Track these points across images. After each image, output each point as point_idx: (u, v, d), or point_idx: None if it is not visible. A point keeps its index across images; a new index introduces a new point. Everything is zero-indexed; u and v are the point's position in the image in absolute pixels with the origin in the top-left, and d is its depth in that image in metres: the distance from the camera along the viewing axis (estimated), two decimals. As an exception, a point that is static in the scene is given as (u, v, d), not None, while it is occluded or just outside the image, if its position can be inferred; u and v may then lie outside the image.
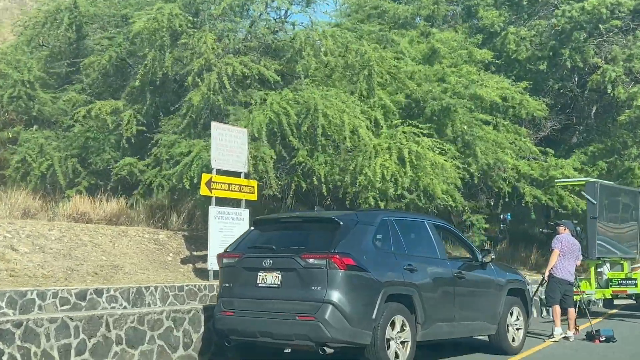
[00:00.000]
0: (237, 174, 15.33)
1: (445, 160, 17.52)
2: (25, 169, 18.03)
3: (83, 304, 11.45)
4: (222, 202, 15.30)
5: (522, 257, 25.16)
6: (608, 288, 18.53)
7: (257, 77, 17.34)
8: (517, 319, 12.82)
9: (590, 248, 18.23)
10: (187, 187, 15.72)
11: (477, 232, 20.69)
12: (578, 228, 16.54)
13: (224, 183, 14.89)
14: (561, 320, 15.02)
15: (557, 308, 14.87)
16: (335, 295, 9.51)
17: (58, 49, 20.37)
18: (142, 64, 17.49)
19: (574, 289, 15.41)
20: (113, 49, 18.16)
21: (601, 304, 20.40)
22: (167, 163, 16.79)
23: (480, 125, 19.87)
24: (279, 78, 17.24)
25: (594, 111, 25.73)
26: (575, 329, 15.10)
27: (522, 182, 21.48)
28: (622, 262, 19.42)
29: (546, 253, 19.22)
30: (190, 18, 17.37)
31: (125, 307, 11.79)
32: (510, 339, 12.51)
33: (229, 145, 15.01)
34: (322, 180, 16.31)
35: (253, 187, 15.54)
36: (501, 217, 17.05)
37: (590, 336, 14.58)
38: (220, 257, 11.03)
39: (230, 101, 17.10)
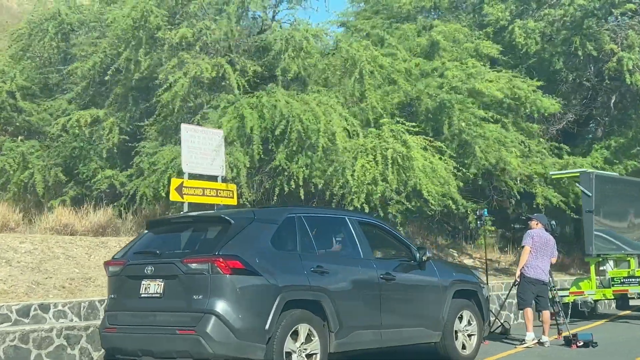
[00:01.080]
0: (213, 178, 14.57)
1: (439, 159, 16.66)
2: (7, 177, 17.56)
3: (26, 320, 10.64)
4: (204, 208, 14.49)
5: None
6: (610, 287, 17.21)
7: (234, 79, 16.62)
8: (469, 323, 11.47)
9: (587, 244, 16.84)
10: (163, 194, 15.12)
11: (483, 233, 19.73)
12: (553, 222, 15.28)
13: (197, 188, 14.10)
14: (551, 325, 13.92)
15: (529, 311, 13.55)
16: (219, 305, 8.31)
17: (47, 58, 19.90)
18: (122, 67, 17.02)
19: (551, 289, 14.21)
20: (97, 55, 17.65)
21: (614, 305, 19.11)
22: (149, 171, 16.26)
23: (479, 123, 18.70)
24: (244, 83, 16.59)
25: (613, 101, 24.12)
26: (559, 333, 13.98)
27: (535, 182, 20.34)
28: (628, 258, 17.86)
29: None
30: (166, 13, 16.95)
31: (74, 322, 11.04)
32: (459, 347, 11.19)
33: (202, 148, 14.24)
34: (301, 183, 15.64)
35: (232, 191, 14.74)
36: (477, 213, 15.89)
37: (568, 341, 13.36)
38: (106, 265, 9.77)
39: (205, 104, 16.67)
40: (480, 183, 19.79)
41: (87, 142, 17.88)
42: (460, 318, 11.33)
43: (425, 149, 16.76)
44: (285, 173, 16.04)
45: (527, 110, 20.62)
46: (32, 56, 19.85)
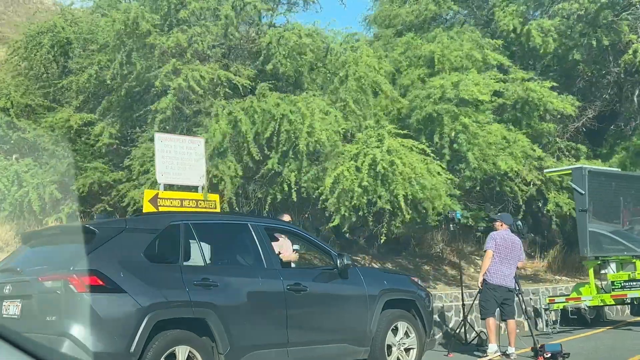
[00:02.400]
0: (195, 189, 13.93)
1: (427, 163, 15.83)
2: (2, 196, 17.09)
3: None
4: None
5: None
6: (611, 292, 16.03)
7: (228, 85, 16.17)
8: (407, 336, 10.42)
9: (582, 245, 15.75)
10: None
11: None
12: (519, 222, 14.15)
13: (174, 199, 13.39)
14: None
15: (492, 320, 12.52)
16: (74, 327, 7.35)
17: (44, 72, 19.48)
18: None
19: (518, 295, 13.21)
20: (92, 68, 17.18)
21: (628, 311, 17.78)
22: (139, 176, 15.77)
23: (470, 130, 17.61)
24: (244, 82, 15.94)
25: (637, 94, 22.52)
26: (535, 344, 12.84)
27: (549, 186, 19.27)
28: (634, 260, 16.57)
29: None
30: (157, 18, 16.39)
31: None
32: None
33: (180, 158, 13.54)
34: (293, 187, 14.99)
35: (214, 201, 14.00)
36: (449, 215, 14.77)
37: (536, 352, 12.38)
38: None
39: (199, 111, 16.06)
40: (477, 189, 18.71)
41: (82, 155, 17.39)
42: (395, 331, 10.31)
43: (411, 149, 15.96)
44: (279, 179, 15.39)
45: (540, 113, 19.49)
46: (28, 71, 19.41)
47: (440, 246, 20.54)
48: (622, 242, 16.36)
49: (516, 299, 13.28)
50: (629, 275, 15.92)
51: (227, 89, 16.13)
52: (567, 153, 20.48)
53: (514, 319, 12.84)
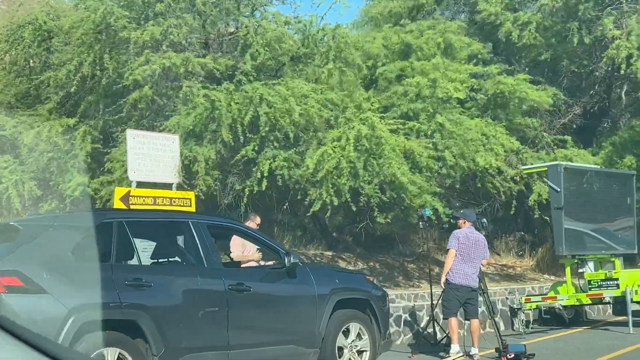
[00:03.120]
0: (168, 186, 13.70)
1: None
2: (-19, 193, 16.90)
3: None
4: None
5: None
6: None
7: (202, 74, 16.00)
8: (359, 338, 10.08)
9: (557, 244, 15.46)
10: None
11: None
12: (484, 220, 13.83)
13: (147, 197, 13.17)
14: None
15: (454, 321, 12.18)
16: None
17: (25, 67, 19.20)
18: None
19: (482, 295, 12.90)
20: (72, 63, 16.92)
21: (610, 311, 17.46)
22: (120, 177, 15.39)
23: (444, 127, 17.35)
24: (219, 68, 15.78)
25: (624, 91, 22.10)
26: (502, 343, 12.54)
27: (535, 180, 18.90)
28: (613, 259, 16.30)
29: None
30: (128, 13, 16.15)
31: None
32: None
33: (153, 154, 13.38)
34: (265, 175, 14.70)
35: (189, 199, 13.77)
36: (418, 213, 14.46)
37: (500, 352, 12.10)
38: None
39: (173, 102, 16.00)
40: (458, 187, 18.43)
41: (63, 153, 17.05)
42: (347, 332, 10.00)
43: (395, 131, 15.81)
44: (254, 169, 15.15)
45: (515, 104, 19.14)
46: (12, 65, 19.15)
47: (428, 245, 20.26)
48: (603, 240, 16.08)
49: (481, 298, 13.11)
50: (606, 274, 15.63)
51: (203, 78, 15.94)
52: (554, 147, 20.11)
53: (478, 318, 12.55)
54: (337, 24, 17.35)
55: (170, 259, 9.51)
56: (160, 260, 9.29)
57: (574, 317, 16.78)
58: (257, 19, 16.83)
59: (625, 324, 15.08)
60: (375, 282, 11.17)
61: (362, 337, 10.13)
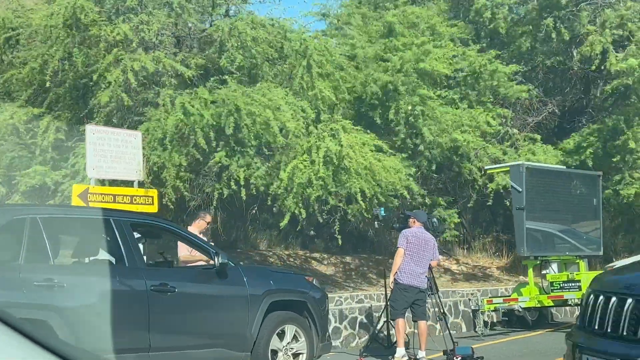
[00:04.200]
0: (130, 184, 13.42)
1: (381, 160, 15.32)
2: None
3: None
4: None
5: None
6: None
7: (174, 74, 15.64)
8: (296, 340, 9.77)
9: (519, 245, 15.22)
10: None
11: (449, 229, 18.14)
12: (435, 219, 13.55)
13: (106, 194, 12.84)
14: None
15: (401, 322, 11.89)
16: None
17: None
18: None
19: (430, 296, 12.67)
20: (36, 61, 16.60)
21: (577, 313, 17.14)
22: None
23: (428, 103, 17.22)
24: (191, 73, 15.38)
25: (600, 88, 21.72)
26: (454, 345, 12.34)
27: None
28: (577, 261, 16.08)
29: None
30: (97, 9, 15.90)
31: None
32: None
33: (114, 151, 13.03)
34: (242, 183, 14.38)
35: (152, 197, 13.44)
36: (374, 212, 14.14)
37: (447, 355, 11.93)
38: None
39: (143, 102, 15.43)
40: (435, 175, 18.18)
41: (25, 148, 16.73)
42: (282, 334, 9.69)
43: (364, 144, 15.42)
44: (224, 174, 14.88)
45: (487, 83, 18.87)
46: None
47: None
48: (569, 240, 15.84)
49: (431, 300, 12.92)
50: (568, 276, 15.38)
51: (173, 79, 15.69)
52: (524, 144, 19.86)
53: (425, 320, 12.26)
54: (316, 31, 17.27)
55: (90, 258, 9.12)
56: (75, 260, 8.90)
57: (539, 319, 16.51)
58: (232, 19, 16.54)
59: None
60: (314, 282, 10.79)
61: (299, 339, 9.83)
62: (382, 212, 13.39)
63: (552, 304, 15.61)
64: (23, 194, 15.88)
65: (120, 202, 12.94)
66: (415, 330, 12.28)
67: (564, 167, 18.12)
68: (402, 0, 21.13)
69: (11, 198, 16.62)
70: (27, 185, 15.66)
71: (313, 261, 18.53)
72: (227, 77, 15.43)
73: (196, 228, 12.26)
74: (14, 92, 18.25)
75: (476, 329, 15.17)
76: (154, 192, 13.59)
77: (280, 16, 17.82)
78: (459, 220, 18.31)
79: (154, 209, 13.38)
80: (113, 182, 13.77)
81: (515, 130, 20.07)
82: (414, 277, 11.86)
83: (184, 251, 11.48)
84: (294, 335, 9.78)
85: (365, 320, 14.77)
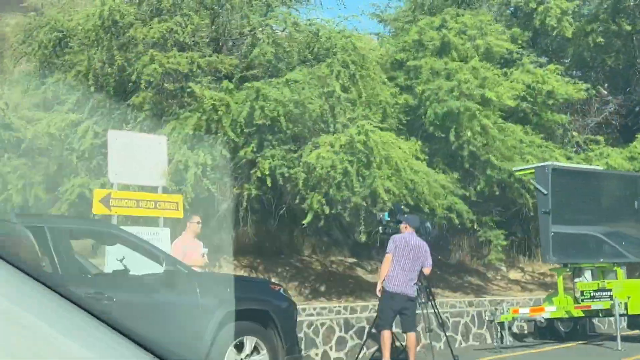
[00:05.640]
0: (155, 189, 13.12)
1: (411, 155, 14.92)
2: (-14, 202, 16.59)
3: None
4: (150, 221, 13.07)
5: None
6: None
7: (208, 72, 15.55)
8: (257, 352, 9.05)
9: (544, 251, 14.30)
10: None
11: (495, 250, 17.26)
12: (428, 224, 12.64)
13: (130, 199, 12.58)
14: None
15: (386, 333, 11.12)
16: None
17: (41, 68, 18.92)
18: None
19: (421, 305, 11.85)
20: (82, 65, 16.61)
21: (624, 324, 15.99)
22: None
23: (487, 130, 16.54)
24: (228, 69, 15.44)
25: None
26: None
27: None
28: (615, 268, 14.94)
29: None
30: (132, 10, 15.86)
31: None
32: None
33: (137, 156, 12.76)
34: (266, 173, 14.21)
35: (177, 202, 13.12)
36: (378, 217, 13.30)
37: None
38: None
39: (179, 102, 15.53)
40: (486, 194, 17.36)
41: (71, 153, 16.70)
42: (239, 346, 8.98)
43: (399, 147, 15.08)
44: (252, 171, 14.74)
45: (541, 99, 17.99)
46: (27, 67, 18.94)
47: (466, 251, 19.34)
48: (606, 245, 14.74)
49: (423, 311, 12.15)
50: (598, 284, 14.41)
51: (209, 77, 15.53)
52: (585, 147, 18.89)
53: (415, 331, 11.50)
54: (354, 29, 16.87)
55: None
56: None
57: (577, 330, 15.52)
58: (265, 18, 16.29)
59: (632, 338, 14.06)
60: (282, 291, 10.11)
61: (260, 351, 9.13)
62: (387, 217, 12.68)
63: (581, 314, 14.63)
64: (70, 203, 15.90)
65: (143, 208, 12.71)
66: (386, 342, 11.38)
67: (601, 167, 17.06)
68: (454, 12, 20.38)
69: (55, 206, 16.70)
70: (71, 194, 15.65)
71: (358, 268, 17.96)
72: (256, 71, 15.17)
73: (191, 233, 11.81)
74: (62, 96, 18.36)
75: (503, 341, 14.36)
76: (178, 198, 13.28)
77: (332, 19, 17.31)
78: (505, 242, 17.41)
79: (178, 214, 13.05)
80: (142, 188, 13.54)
81: (575, 133, 19.09)
82: (402, 285, 11.17)
83: (176, 256, 11.02)
84: (255, 347, 9.11)
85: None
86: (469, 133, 16.26)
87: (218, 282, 9.74)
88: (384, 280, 11.32)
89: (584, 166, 16.83)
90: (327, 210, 14.31)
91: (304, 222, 14.78)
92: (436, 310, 12.41)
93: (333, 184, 14.14)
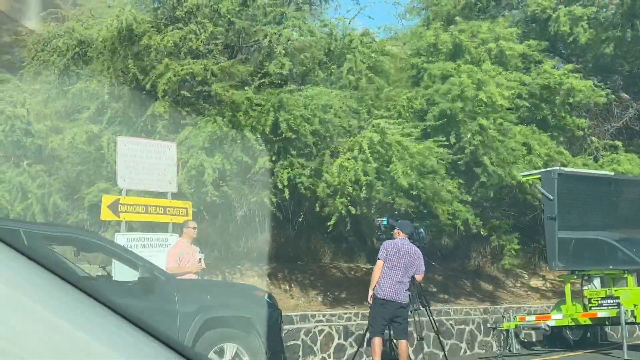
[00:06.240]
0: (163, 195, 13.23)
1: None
2: (7, 211, 16.65)
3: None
4: (160, 227, 13.18)
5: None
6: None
7: (225, 79, 15.61)
8: (238, 359, 9.02)
9: (550, 257, 13.98)
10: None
11: (509, 255, 17.03)
12: (421, 230, 12.44)
13: (138, 205, 12.67)
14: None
15: (377, 341, 10.98)
16: None
17: (60, 77, 19.06)
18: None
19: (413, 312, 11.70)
20: (103, 74, 16.76)
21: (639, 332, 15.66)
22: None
23: (485, 131, 16.29)
24: (243, 75, 15.52)
25: None
26: None
27: None
28: (626, 275, 14.69)
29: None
30: (148, 18, 16.01)
31: None
32: None
33: (146, 162, 12.91)
34: (285, 184, 14.17)
35: (186, 208, 13.17)
36: (376, 222, 13.12)
37: None
38: None
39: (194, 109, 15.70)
40: (491, 195, 17.15)
41: (92, 162, 16.82)
42: (221, 353, 8.98)
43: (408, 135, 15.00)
44: (270, 180, 14.68)
45: (560, 98, 17.74)
46: (46, 76, 19.06)
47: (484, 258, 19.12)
48: (624, 252, 14.51)
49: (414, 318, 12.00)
50: (606, 292, 14.16)
51: (223, 82, 15.49)
52: (604, 153, 18.62)
53: (406, 339, 11.32)
54: (366, 29, 16.83)
55: None
56: None
57: (587, 338, 15.26)
58: (279, 27, 16.28)
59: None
60: (267, 297, 10.09)
61: (242, 358, 9.13)
62: (385, 222, 12.55)
63: (588, 322, 14.37)
64: (89, 210, 15.99)
65: (153, 213, 12.80)
66: (377, 350, 11.24)
67: (611, 172, 16.75)
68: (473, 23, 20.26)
69: (72, 214, 16.81)
70: (89, 202, 15.75)
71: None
72: (272, 79, 15.20)
73: (187, 238, 11.74)
74: (81, 105, 18.50)
75: (509, 349, 14.15)
76: (188, 204, 13.34)
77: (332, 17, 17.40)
78: (518, 247, 17.17)
79: (188, 218, 13.08)
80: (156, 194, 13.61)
81: (594, 139, 18.84)
82: (393, 291, 11.06)
83: (171, 263, 11.01)
84: (236, 353, 9.11)
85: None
86: (469, 135, 16.13)
87: (197, 288, 9.74)
88: (375, 287, 11.21)
89: (592, 171, 16.59)
90: (352, 210, 14.25)
91: (329, 224, 14.68)
92: (431, 318, 12.28)
93: (357, 188, 14.12)
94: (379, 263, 11.23)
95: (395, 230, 11.58)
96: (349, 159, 14.31)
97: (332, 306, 15.63)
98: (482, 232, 16.64)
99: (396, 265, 11.15)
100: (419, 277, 11.54)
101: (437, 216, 15.41)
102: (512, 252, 16.84)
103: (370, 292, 11.34)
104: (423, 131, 15.96)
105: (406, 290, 11.23)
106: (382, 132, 14.40)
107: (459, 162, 16.21)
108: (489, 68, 17.41)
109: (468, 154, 16.23)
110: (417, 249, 11.48)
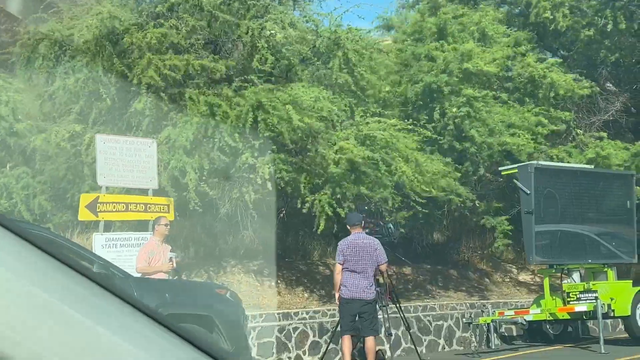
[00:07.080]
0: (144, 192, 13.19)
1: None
2: (-10, 211, 16.61)
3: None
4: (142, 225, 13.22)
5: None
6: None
7: (205, 75, 15.53)
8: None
9: (528, 251, 13.94)
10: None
11: (500, 237, 16.96)
12: (390, 225, 12.30)
13: (118, 203, 12.56)
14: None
15: (346, 339, 10.84)
16: None
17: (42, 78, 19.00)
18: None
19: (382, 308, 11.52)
20: (84, 74, 16.67)
21: (622, 326, 15.48)
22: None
23: (473, 103, 16.26)
24: (223, 70, 15.27)
25: None
26: None
27: None
28: (605, 269, 14.61)
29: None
30: (131, 16, 16.01)
31: None
32: None
33: (126, 159, 12.77)
34: (266, 177, 14.00)
35: (167, 205, 13.08)
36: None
37: None
38: None
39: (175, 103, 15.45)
40: (482, 173, 17.08)
41: (77, 162, 16.75)
42: None
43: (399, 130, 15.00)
44: (252, 176, 14.53)
45: (543, 91, 17.72)
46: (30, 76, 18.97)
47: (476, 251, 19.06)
48: (604, 246, 14.45)
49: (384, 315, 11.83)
50: (584, 285, 14.06)
51: (204, 79, 15.51)
52: (590, 145, 18.53)
53: (373, 336, 11.11)
54: (349, 26, 16.75)
55: None
56: None
57: (572, 333, 15.18)
58: (261, 21, 16.12)
59: (619, 341, 13.91)
60: (228, 295, 9.92)
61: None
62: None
63: (567, 316, 14.20)
64: (73, 210, 15.89)
65: (133, 211, 12.72)
66: (345, 348, 11.13)
67: (591, 166, 16.66)
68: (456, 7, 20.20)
69: (57, 214, 16.71)
70: (73, 202, 15.66)
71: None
72: (253, 77, 15.03)
73: (159, 236, 11.35)
74: (64, 106, 18.39)
75: (489, 344, 14.04)
76: (169, 200, 13.23)
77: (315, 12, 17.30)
78: (509, 227, 17.07)
79: (169, 216, 12.97)
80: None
81: (579, 131, 18.77)
82: (356, 290, 10.88)
83: (141, 262, 10.79)
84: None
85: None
86: (454, 109, 16.09)
87: (155, 286, 9.62)
88: (340, 289, 11.05)
89: (570, 165, 16.50)
90: (341, 212, 13.98)
91: (319, 230, 14.56)
92: (401, 314, 12.15)
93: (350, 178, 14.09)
94: (337, 267, 11.06)
95: (348, 226, 11.41)
96: (347, 142, 14.28)
97: (322, 303, 15.53)
98: (477, 204, 16.57)
99: (355, 264, 10.95)
100: (383, 267, 11.30)
101: (426, 203, 15.30)
102: (504, 234, 16.82)
103: (337, 295, 11.21)
104: (404, 112, 15.88)
105: (371, 286, 11.04)
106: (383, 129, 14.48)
107: (441, 141, 16.09)
108: (472, 46, 17.39)
109: (452, 131, 16.11)
110: (373, 241, 11.21)
